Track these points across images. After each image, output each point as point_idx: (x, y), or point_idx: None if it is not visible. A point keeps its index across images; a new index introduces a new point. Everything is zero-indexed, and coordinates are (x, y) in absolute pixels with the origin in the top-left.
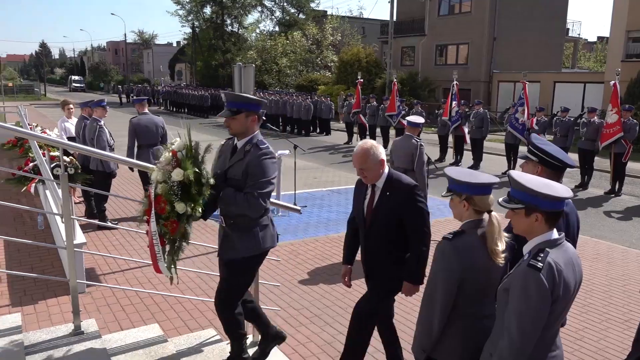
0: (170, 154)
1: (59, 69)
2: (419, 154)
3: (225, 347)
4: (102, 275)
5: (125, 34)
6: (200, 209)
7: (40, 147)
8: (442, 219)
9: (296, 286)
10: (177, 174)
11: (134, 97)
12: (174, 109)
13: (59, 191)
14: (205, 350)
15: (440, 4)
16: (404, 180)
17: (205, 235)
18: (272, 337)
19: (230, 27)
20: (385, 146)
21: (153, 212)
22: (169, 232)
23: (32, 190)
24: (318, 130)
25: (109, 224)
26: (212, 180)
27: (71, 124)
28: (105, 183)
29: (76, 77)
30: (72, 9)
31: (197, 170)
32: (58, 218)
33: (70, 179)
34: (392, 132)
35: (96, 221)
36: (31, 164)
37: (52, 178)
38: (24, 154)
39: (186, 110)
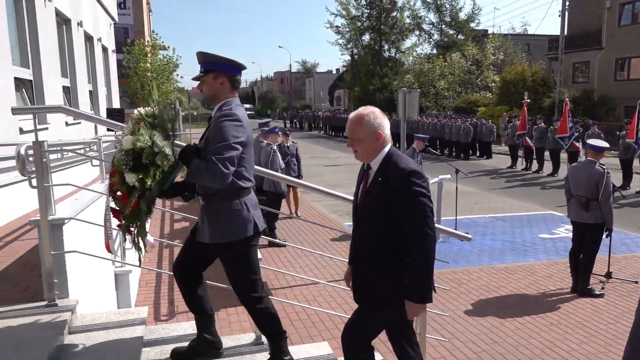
0: (135, 122)
1: None
2: (605, 182)
3: None
4: (273, 289)
5: (290, 65)
6: (150, 181)
7: None
8: (629, 254)
9: (461, 317)
10: (126, 142)
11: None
12: (333, 133)
13: None
14: None
15: (622, 13)
16: (400, 163)
17: None
18: (203, 343)
19: (387, 53)
20: (555, 172)
21: (107, 184)
22: (123, 206)
23: None
24: (478, 154)
25: (278, 241)
26: (167, 150)
27: None
28: (277, 203)
29: (247, 105)
30: (245, 45)
31: (147, 137)
32: None
33: None
34: (563, 155)
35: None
36: None
37: None
38: None
39: (344, 134)
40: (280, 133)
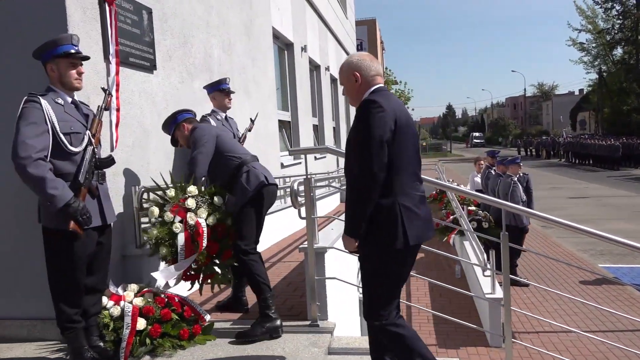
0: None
1: (461, 127)
2: None
3: None
4: (516, 332)
5: (524, 89)
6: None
7: (461, 202)
8: None
9: None
10: (211, 220)
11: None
12: (577, 161)
13: (474, 244)
14: None
15: None
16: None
17: (626, 306)
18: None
19: None
20: None
21: (205, 235)
22: (206, 253)
23: (451, 241)
24: None
25: (520, 279)
26: (222, 205)
27: (480, 179)
28: (519, 238)
29: (476, 134)
30: (475, 72)
31: (211, 211)
32: (477, 269)
33: (485, 233)
34: None
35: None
36: (452, 217)
37: (473, 231)
38: (443, 207)
39: (591, 162)
40: (521, 164)
